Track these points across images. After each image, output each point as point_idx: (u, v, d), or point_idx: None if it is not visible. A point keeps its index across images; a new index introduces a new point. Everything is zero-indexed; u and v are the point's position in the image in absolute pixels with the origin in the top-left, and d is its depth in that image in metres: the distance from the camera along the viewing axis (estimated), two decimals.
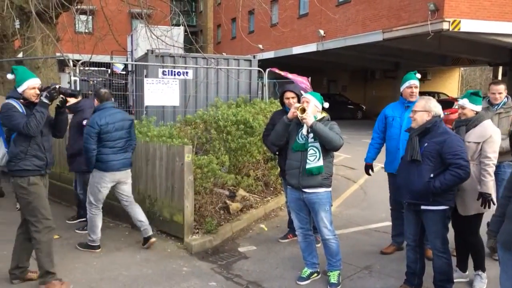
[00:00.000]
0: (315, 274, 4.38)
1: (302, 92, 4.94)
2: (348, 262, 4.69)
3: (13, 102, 3.86)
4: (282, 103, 5.00)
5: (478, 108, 4.10)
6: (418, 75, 4.74)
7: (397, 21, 15.20)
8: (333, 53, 20.76)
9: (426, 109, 3.77)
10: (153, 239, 5.09)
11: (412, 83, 4.68)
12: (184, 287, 4.18)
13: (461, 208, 3.96)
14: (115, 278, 4.30)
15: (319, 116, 4.17)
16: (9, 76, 3.92)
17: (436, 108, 3.78)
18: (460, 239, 4.21)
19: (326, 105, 4.24)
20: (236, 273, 4.52)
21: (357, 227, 6.03)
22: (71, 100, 4.11)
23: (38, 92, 3.92)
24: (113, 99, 5.32)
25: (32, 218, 3.93)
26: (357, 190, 8.17)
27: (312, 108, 4.09)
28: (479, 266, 4.16)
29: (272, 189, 7.21)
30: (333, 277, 4.22)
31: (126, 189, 5.12)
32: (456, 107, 4.43)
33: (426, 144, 3.67)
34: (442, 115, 3.82)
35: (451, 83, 29.10)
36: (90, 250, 5.01)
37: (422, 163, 3.64)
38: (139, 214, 5.12)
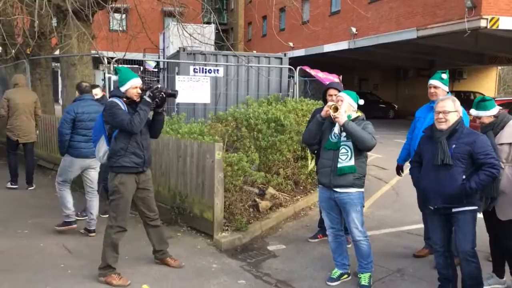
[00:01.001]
0: (346, 276, 4.32)
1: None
2: (380, 265, 4.60)
3: (116, 100, 4.04)
4: (324, 100, 4.94)
5: (494, 111, 3.94)
6: (444, 75, 4.51)
7: (432, 19, 14.83)
8: (365, 51, 20.44)
9: (456, 109, 3.67)
10: (74, 225, 5.40)
11: (430, 83, 4.56)
12: (213, 284, 4.19)
13: (501, 213, 3.79)
14: (146, 273, 4.36)
15: (354, 115, 4.10)
16: (113, 77, 4.04)
17: (460, 108, 3.74)
18: (496, 244, 4.06)
19: (362, 101, 4.17)
20: (265, 272, 4.51)
21: (389, 228, 5.91)
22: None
23: (140, 91, 4.07)
24: (92, 92, 5.88)
25: (112, 213, 4.15)
26: (389, 191, 8.02)
27: (345, 106, 4.02)
28: (501, 272, 4.01)
29: (302, 188, 7.15)
30: (364, 279, 4.14)
31: (93, 176, 5.48)
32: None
33: (454, 146, 3.57)
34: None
35: (488, 82, 28.15)
36: (68, 227, 5.35)
37: (453, 166, 3.53)
38: (94, 206, 5.44)
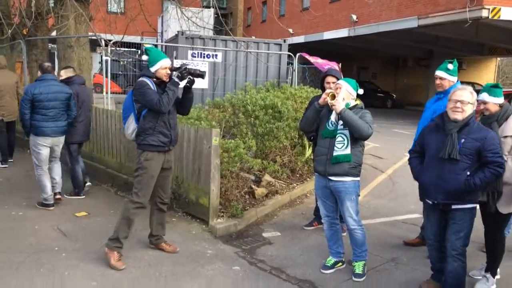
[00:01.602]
0: (340, 263, 4.33)
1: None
2: (374, 253, 4.62)
3: (146, 80, 4.09)
4: (322, 87, 4.90)
5: (500, 100, 3.87)
6: (450, 66, 4.37)
7: (433, 7, 14.71)
8: (365, 39, 20.32)
9: (473, 102, 3.49)
10: (51, 208, 5.66)
11: (435, 74, 4.46)
12: (208, 269, 4.20)
13: (502, 206, 3.71)
14: (141, 257, 4.36)
15: (353, 103, 4.07)
16: (143, 57, 4.18)
17: (474, 100, 3.56)
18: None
19: (361, 91, 4.14)
20: (260, 258, 4.51)
21: (384, 218, 5.93)
22: (198, 80, 4.39)
23: (169, 72, 4.14)
24: (55, 73, 6.15)
25: (135, 189, 4.22)
26: (385, 180, 8.02)
27: (343, 94, 3.99)
28: (491, 268, 3.96)
29: (298, 175, 7.15)
30: (358, 267, 4.16)
31: (57, 153, 5.91)
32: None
33: (463, 140, 3.41)
34: None
35: (487, 74, 28.11)
36: (45, 208, 5.62)
37: (459, 161, 3.40)
38: (56, 172, 5.91)
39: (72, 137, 6.09)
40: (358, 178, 4.06)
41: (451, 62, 4.40)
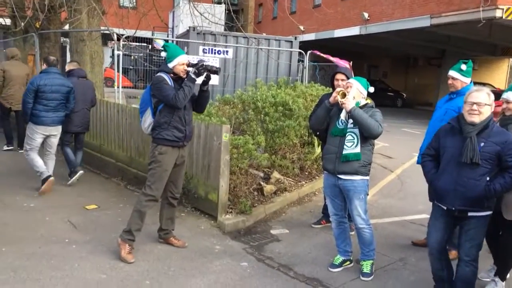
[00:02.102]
0: (348, 262, 4.33)
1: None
2: (382, 253, 4.61)
3: (164, 75, 4.16)
4: (332, 85, 4.89)
5: None
6: (464, 66, 4.33)
7: (447, 7, 14.56)
8: (376, 38, 20.18)
9: (491, 103, 3.33)
10: (51, 178, 5.97)
11: (448, 74, 4.44)
12: (216, 265, 4.22)
13: (506, 212, 3.64)
14: (150, 251, 4.39)
15: (363, 102, 4.06)
16: (162, 53, 4.25)
17: (494, 103, 3.40)
18: (493, 237, 3.96)
19: (372, 89, 4.13)
20: (268, 255, 4.53)
21: (393, 217, 5.91)
22: (214, 77, 4.47)
23: (186, 68, 4.18)
24: (58, 66, 6.68)
25: (148, 181, 4.28)
26: (394, 180, 7.99)
27: (353, 93, 3.98)
28: (500, 272, 3.93)
29: (307, 173, 7.14)
30: (366, 266, 4.16)
31: (53, 142, 6.20)
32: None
33: (483, 144, 3.25)
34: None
35: (499, 74, 27.80)
36: (46, 183, 5.86)
37: (479, 166, 3.25)
38: (50, 166, 6.22)
39: (66, 126, 6.37)
40: (367, 177, 4.05)
41: (465, 63, 4.35)
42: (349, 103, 3.90)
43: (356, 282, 4.06)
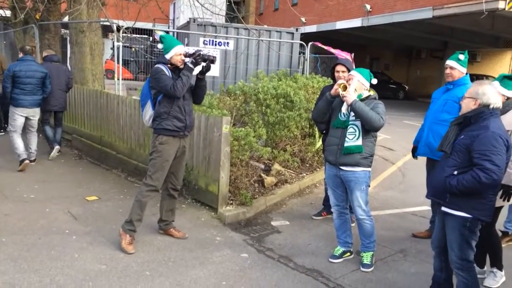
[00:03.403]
0: (348, 253, 4.33)
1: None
2: (383, 244, 4.61)
3: (161, 66, 4.18)
4: (333, 77, 4.86)
5: (510, 93, 3.82)
6: (461, 56, 4.33)
7: None
8: (378, 30, 20.07)
9: (473, 95, 3.19)
10: (26, 161, 6.61)
11: (446, 64, 4.42)
12: (216, 256, 4.22)
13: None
14: (150, 242, 4.39)
15: (366, 93, 4.03)
16: (159, 45, 4.27)
17: (485, 96, 3.14)
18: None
19: (375, 81, 4.09)
20: (268, 247, 4.52)
21: (394, 209, 5.90)
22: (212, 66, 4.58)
23: (183, 58, 4.20)
24: (33, 54, 7.63)
25: (148, 172, 4.29)
26: (395, 172, 7.98)
27: (355, 85, 3.96)
28: (494, 262, 3.92)
29: (308, 165, 7.13)
30: (366, 258, 4.15)
31: (33, 123, 6.89)
32: None
33: (462, 137, 3.15)
34: (494, 105, 3.15)
35: (502, 67, 27.66)
36: (23, 163, 6.53)
37: (449, 157, 3.18)
38: (33, 142, 6.93)
39: (43, 106, 7.17)
40: (369, 169, 4.04)
41: (463, 53, 4.36)
42: (350, 96, 3.87)
43: (356, 273, 4.05)
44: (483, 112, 3.13)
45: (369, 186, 4.13)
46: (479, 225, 3.18)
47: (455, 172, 3.10)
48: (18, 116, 6.67)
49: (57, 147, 7.30)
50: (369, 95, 4.07)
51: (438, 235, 3.44)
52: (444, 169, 3.19)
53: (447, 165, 3.17)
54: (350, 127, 3.95)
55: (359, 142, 3.92)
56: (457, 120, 3.26)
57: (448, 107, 4.34)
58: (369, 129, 3.93)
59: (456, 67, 4.36)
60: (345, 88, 3.91)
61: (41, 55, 10.42)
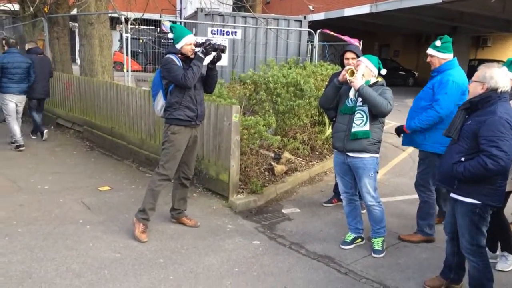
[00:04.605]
0: (359, 240, 4.34)
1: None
2: (394, 231, 4.62)
3: (172, 56, 4.18)
4: (342, 64, 4.84)
5: None
6: (438, 43, 4.23)
7: None
8: (387, 16, 19.83)
9: (480, 79, 3.13)
10: (22, 148, 7.37)
11: (426, 52, 4.33)
12: (228, 243, 4.26)
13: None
14: (162, 231, 4.45)
15: (374, 80, 4.02)
16: (169, 35, 4.26)
17: (493, 80, 3.08)
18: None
19: (384, 71, 4.08)
20: (280, 234, 4.56)
21: (405, 195, 5.90)
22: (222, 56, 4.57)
23: (194, 48, 4.20)
24: (18, 46, 8.32)
25: (161, 161, 4.32)
26: (405, 159, 7.95)
27: (362, 71, 3.95)
28: (505, 246, 3.92)
29: (317, 153, 7.13)
30: (377, 243, 4.17)
31: (20, 109, 7.66)
32: None
33: (469, 122, 3.11)
34: (502, 89, 3.08)
35: None
36: (19, 149, 7.30)
37: (456, 142, 3.15)
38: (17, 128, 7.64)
39: (30, 95, 7.97)
40: (377, 155, 4.03)
41: (439, 39, 4.25)
42: (358, 81, 3.87)
43: (368, 259, 4.07)
44: (490, 97, 3.08)
45: (377, 172, 4.13)
46: (490, 210, 3.17)
47: (463, 159, 3.06)
48: (8, 101, 7.43)
49: (46, 130, 8.23)
50: (377, 81, 4.05)
51: (450, 221, 3.43)
52: (452, 156, 3.15)
53: (455, 152, 3.14)
54: (358, 112, 3.95)
55: (367, 127, 3.91)
56: (464, 105, 3.21)
57: (423, 94, 4.32)
58: (376, 114, 3.92)
59: (434, 54, 4.25)
60: (352, 73, 3.91)
61: (51, 48, 10.53)
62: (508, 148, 2.92)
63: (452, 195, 3.24)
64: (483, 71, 3.16)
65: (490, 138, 2.92)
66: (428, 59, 4.32)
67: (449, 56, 4.25)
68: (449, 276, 3.57)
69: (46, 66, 8.31)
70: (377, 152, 4.04)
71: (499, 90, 3.09)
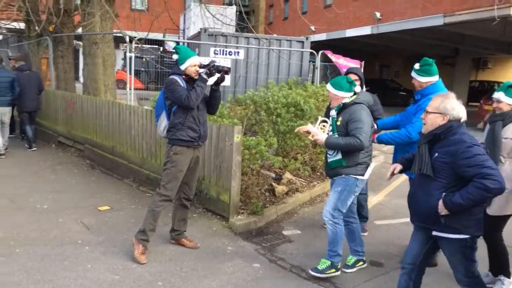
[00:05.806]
0: (361, 263, 4.29)
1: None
2: (395, 253, 4.57)
3: (176, 77, 4.22)
4: None
5: None
6: (416, 65, 4.18)
7: (460, 5, 14.38)
8: (388, 37, 20.00)
9: (441, 110, 2.97)
10: (2, 157, 8.06)
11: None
12: (228, 266, 4.21)
13: (489, 208, 3.62)
14: (162, 252, 4.40)
15: (347, 100, 3.95)
16: (174, 56, 4.28)
17: (454, 110, 2.96)
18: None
19: (358, 89, 4.03)
20: (280, 256, 4.51)
21: (406, 218, 5.77)
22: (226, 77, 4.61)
23: (198, 69, 4.24)
24: (3, 63, 9.88)
25: (162, 182, 4.32)
26: (406, 180, 7.85)
27: (317, 126, 4.05)
28: (502, 270, 3.87)
29: (319, 174, 7.11)
30: (321, 264, 4.07)
31: (5, 120, 8.41)
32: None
33: (436, 155, 2.95)
34: (462, 119, 3.00)
35: None
36: None
37: (433, 178, 2.95)
38: (5, 134, 8.38)
39: (21, 108, 8.83)
40: (357, 176, 3.93)
41: (419, 62, 4.20)
42: (319, 137, 3.98)
43: (370, 283, 4.02)
44: (452, 127, 2.96)
45: (353, 193, 4.00)
46: (477, 240, 3.06)
47: (443, 194, 2.92)
48: None
49: (35, 147, 8.87)
50: (345, 103, 3.95)
51: (416, 251, 3.20)
52: (429, 193, 2.97)
53: (433, 188, 2.95)
54: None
55: (339, 156, 3.93)
56: (426, 138, 3.04)
57: (402, 118, 4.39)
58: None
59: (414, 76, 4.21)
60: (309, 133, 4.03)
61: (54, 66, 10.63)
62: (495, 166, 2.85)
63: (435, 233, 3.03)
64: (442, 103, 3.00)
65: (475, 163, 2.80)
66: (412, 81, 4.31)
67: (430, 79, 4.16)
68: None
69: (33, 81, 8.94)
70: (360, 174, 3.95)
71: (462, 120, 3.00)
